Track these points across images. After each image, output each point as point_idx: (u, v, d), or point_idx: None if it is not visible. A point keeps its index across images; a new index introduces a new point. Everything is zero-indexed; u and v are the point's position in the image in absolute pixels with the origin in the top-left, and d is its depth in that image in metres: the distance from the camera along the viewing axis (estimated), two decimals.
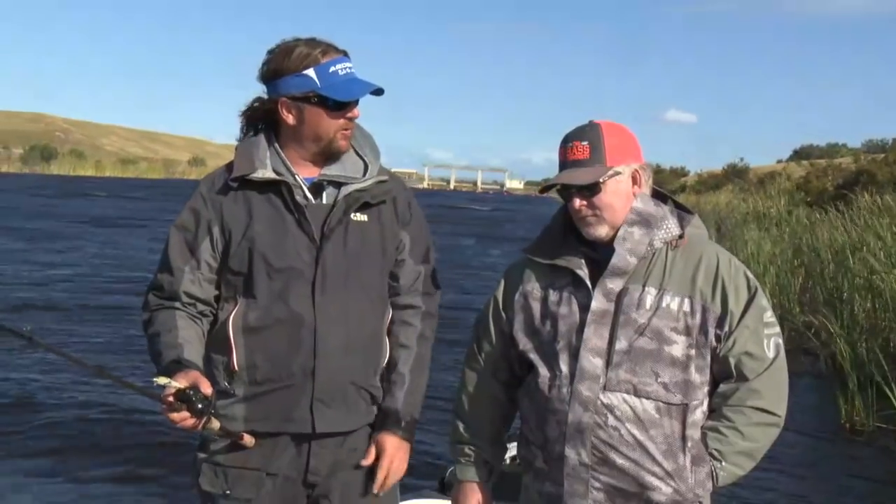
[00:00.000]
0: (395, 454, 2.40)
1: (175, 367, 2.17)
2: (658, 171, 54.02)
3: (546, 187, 2.30)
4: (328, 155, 2.36)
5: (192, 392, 2.08)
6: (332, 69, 2.30)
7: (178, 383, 2.09)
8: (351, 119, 2.34)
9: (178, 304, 2.32)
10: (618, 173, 2.17)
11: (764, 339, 2.16)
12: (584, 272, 2.19)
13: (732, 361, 2.15)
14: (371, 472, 2.40)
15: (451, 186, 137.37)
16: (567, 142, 2.19)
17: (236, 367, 2.30)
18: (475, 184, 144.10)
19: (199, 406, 2.09)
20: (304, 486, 2.38)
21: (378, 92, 2.33)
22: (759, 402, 2.15)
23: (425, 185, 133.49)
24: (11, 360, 8.12)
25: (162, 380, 2.09)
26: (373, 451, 2.39)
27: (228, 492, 2.34)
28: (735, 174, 36.08)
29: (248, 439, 2.29)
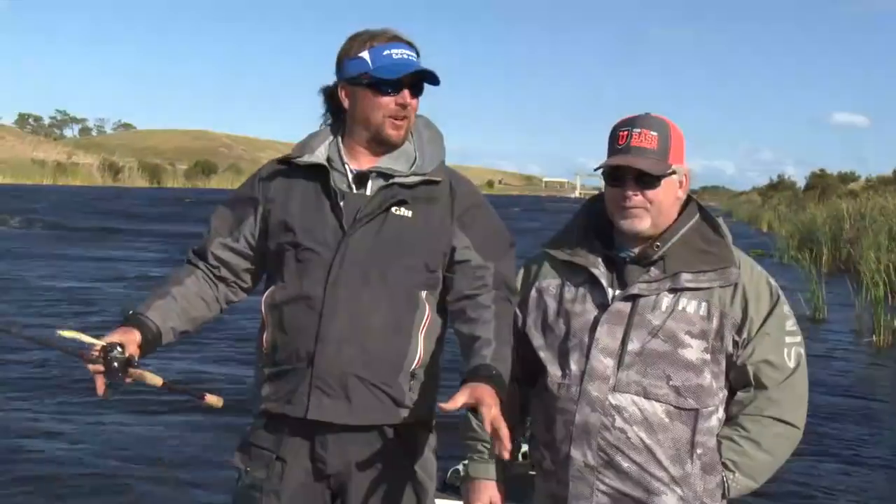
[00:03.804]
0: (485, 393, 2.07)
1: (131, 319, 2.26)
2: (822, 176, 51.93)
3: (604, 167, 2.19)
4: (380, 143, 2.37)
5: (110, 348, 2.11)
6: (385, 52, 2.31)
7: (87, 338, 2.14)
8: (401, 105, 2.32)
9: (201, 264, 2.44)
10: (674, 173, 2.17)
11: (785, 349, 2.15)
12: (599, 271, 2.19)
13: (751, 370, 2.14)
14: (395, 474, 2.33)
15: None
16: (634, 126, 2.16)
17: (265, 346, 2.37)
18: None
19: (114, 364, 2.13)
20: (320, 478, 2.35)
21: (432, 79, 2.33)
22: (777, 413, 2.13)
23: (577, 194, 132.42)
24: None
25: (66, 333, 2.14)
26: (460, 396, 2.07)
27: (248, 469, 2.39)
28: None
29: (212, 398, 2.24)
